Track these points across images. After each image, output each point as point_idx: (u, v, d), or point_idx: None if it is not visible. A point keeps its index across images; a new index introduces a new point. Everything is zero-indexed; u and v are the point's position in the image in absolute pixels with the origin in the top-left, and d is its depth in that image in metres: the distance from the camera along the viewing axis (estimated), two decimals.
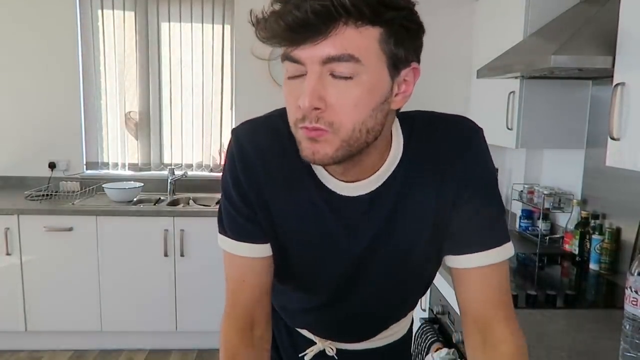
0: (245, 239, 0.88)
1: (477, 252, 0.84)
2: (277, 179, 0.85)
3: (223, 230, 0.90)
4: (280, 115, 0.82)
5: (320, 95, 0.68)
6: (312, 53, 0.67)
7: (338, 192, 0.84)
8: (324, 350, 1.08)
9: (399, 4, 0.68)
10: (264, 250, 0.89)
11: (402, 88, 0.74)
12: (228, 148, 0.88)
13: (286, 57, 0.70)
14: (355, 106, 0.70)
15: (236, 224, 0.88)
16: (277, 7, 0.66)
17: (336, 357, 1.08)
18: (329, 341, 1.08)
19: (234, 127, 0.89)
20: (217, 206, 0.92)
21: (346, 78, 0.68)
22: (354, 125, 0.71)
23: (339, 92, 0.69)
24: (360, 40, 0.66)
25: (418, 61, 0.75)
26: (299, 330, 1.11)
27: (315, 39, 0.66)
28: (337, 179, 0.83)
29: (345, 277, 0.92)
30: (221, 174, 0.90)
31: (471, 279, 0.86)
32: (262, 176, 0.85)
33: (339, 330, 1.06)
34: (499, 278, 0.86)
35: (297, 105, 0.70)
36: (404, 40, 0.70)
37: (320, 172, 0.84)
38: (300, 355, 1.09)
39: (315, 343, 1.08)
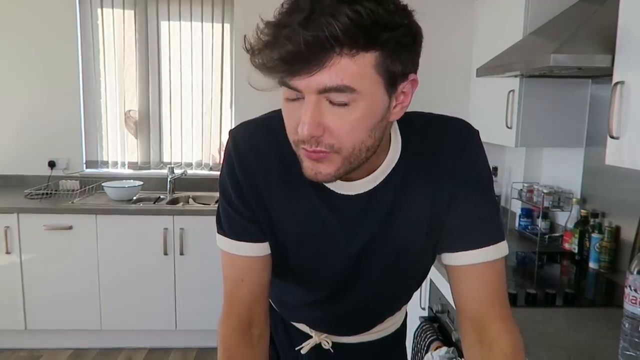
0: (245, 238, 0.89)
1: (471, 249, 0.85)
2: (275, 179, 0.85)
3: (222, 230, 0.90)
4: (277, 117, 0.82)
5: (318, 122, 0.69)
6: (308, 83, 0.66)
7: (336, 191, 0.84)
8: (319, 344, 1.09)
9: (394, 23, 0.66)
10: (263, 249, 0.90)
11: (400, 99, 0.74)
12: (226, 149, 0.88)
13: (283, 84, 0.70)
14: (353, 129, 0.70)
15: (235, 223, 0.88)
16: (270, 36, 0.66)
17: (332, 350, 1.09)
18: (325, 334, 1.09)
19: (231, 128, 0.90)
20: (217, 205, 0.93)
21: (343, 105, 0.68)
22: (354, 146, 0.72)
23: (336, 118, 0.69)
24: (355, 69, 0.65)
25: (416, 71, 0.74)
26: (295, 324, 1.12)
27: (311, 70, 0.65)
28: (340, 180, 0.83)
29: (344, 274, 0.93)
30: (219, 174, 0.90)
31: (466, 276, 0.87)
32: (260, 176, 0.85)
33: (335, 324, 1.07)
34: (494, 276, 0.87)
35: (297, 128, 0.70)
36: (401, 57, 0.69)
37: None
38: (296, 349, 1.10)
39: (311, 336, 1.09)
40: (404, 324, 1.22)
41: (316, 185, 0.84)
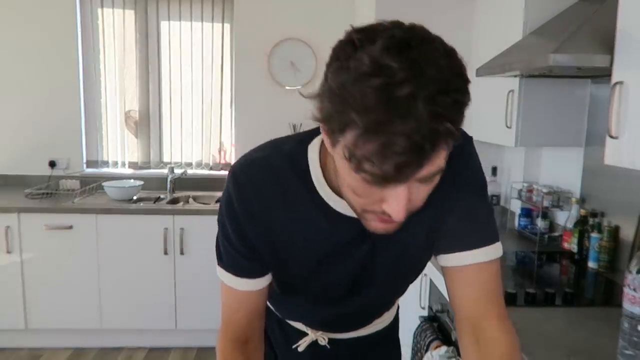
0: (245, 275, 0.90)
1: (468, 250, 0.87)
2: (280, 216, 0.85)
3: (222, 263, 0.91)
4: (277, 151, 0.84)
5: (409, 203, 0.67)
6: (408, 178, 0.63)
7: (343, 213, 0.84)
8: (316, 340, 1.10)
9: (466, 87, 0.63)
10: (262, 282, 0.91)
11: None
12: (226, 188, 0.86)
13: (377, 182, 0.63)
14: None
15: (235, 261, 0.89)
16: (375, 144, 0.58)
17: (328, 347, 1.11)
18: (321, 332, 1.10)
19: (231, 166, 0.88)
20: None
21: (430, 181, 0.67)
22: None
23: (421, 192, 0.68)
24: (447, 150, 0.64)
25: None
26: (290, 322, 1.13)
27: (419, 170, 0.62)
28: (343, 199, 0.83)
29: (347, 284, 0.95)
30: (218, 209, 0.89)
31: (462, 276, 0.89)
32: (264, 215, 0.85)
33: (334, 323, 1.09)
34: (490, 276, 0.89)
35: (372, 203, 0.68)
36: None
37: (326, 193, 0.83)
38: (293, 347, 1.11)
39: (307, 334, 1.11)
40: (397, 315, 1.25)
41: (323, 211, 0.84)
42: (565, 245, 2.30)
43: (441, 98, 0.58)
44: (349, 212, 0.82)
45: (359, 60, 0.58)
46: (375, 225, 0.73)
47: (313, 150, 0.84)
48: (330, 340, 1.11)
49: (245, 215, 0.84)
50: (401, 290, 1.09)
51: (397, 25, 0.62)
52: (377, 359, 1.19)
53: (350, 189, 0.69)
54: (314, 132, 0.85)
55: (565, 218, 2.33)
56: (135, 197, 3.29)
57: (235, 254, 0.88)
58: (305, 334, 1.11)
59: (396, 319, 1.25)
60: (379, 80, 0.57)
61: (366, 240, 0.87)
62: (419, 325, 2.10)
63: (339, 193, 0.81)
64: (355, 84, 0.58)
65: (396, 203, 0.66)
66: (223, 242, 0.89)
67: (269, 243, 0.87)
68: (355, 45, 0.60)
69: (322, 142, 0.81)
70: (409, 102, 0.56)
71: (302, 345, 1.10)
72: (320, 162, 0.83)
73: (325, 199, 0.83)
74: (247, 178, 0.85)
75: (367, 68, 0.58)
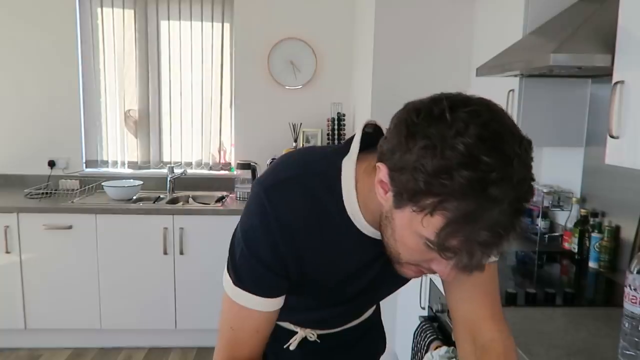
0: (270, 294, 0.88)
1: None
2: (312, 235, 0.85)
3: (244, 286, 0.87)
4: (307, 169, 0.84)
5: None
6: None
7: (370, 236, 0.85)
8: (305, 337, 1.11)
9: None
10: (282, 300, 0.91)
11: None
12: (259, 204, 0.84)
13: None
14: None
15: (264, 281, 0.87)
16: (466, 231, 0.64)
17: (318, 341, 1.12)
18: (310, 329, 1.11)
19: (260, 182, 0.86)
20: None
21: None
22: None
23: None
24: None
25: None
26: (279, 322, 1.13)
27: None
28: (373, 227, 0.84)
29: (354, 295, 0.96)
30: (245, 230, 0.86)
31: (459, 277, 0.89)
32: (298, 233, 0.84)
33: (327, 321, 1.10)
34: (486, 277, 0.89)
35: (425, 261, 0.74)
36: None
37: (359, 221, 0.84)
38: (285, 346, 1.11)
39: (296, 332, 1.11)
40: (378, 303, 1.28)
41: (354, 233, 0.85)
42: (566, 245, 2.30)
43: (524, 196, 0.66)
44: (374, 234, 0.83)
45: (455, 149, 0.62)
46: (409, 272, 0.78)
47: (347, 176, 0.83)
48: (319, 335, 1.12)
49: (281, 231, 0.83)
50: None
51: (482, 105, 0.68)
52: (364, 345, 1.22)
53: (406, 246, 0.73)
54: (341, 151, 0.85)
55: (565, 218, 2.33)
56: (134, 197, 3.29)
57: (266, 272, 0.85)
58: (294, 332, 1.11)
59: (378, 306, 1.28)
60: (475, 174, 0.62)
61: (381, 258, 0.87)
62: (419, 325, 2.10)
63: (367, 219, 0.83)
64: (451, 173, 0.62)
65: (450, 269, 0.72)
66: (249, 262, 0.86)
67: (298, 260, 0.86)
68: (448, 123, 0.64)
69: (356, 167, 0.83)
70: (498, 200, 0.63)
71: (293, 344, 1.11)
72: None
73: (356, 224, 0.84)
74: (282, 196, 0.84)
75: (463, 159, 0.62)
